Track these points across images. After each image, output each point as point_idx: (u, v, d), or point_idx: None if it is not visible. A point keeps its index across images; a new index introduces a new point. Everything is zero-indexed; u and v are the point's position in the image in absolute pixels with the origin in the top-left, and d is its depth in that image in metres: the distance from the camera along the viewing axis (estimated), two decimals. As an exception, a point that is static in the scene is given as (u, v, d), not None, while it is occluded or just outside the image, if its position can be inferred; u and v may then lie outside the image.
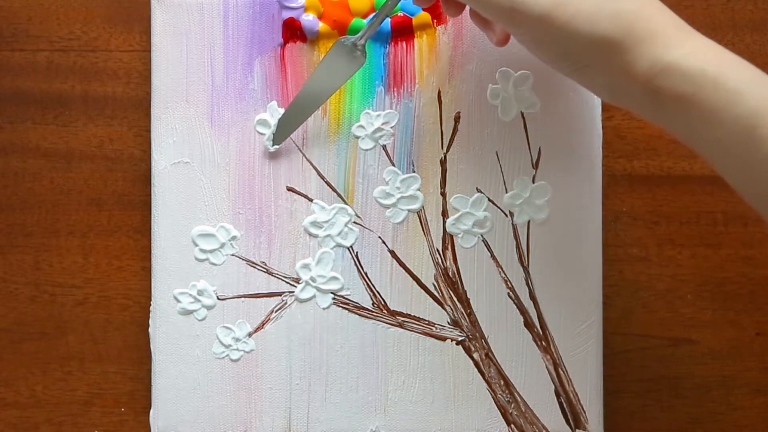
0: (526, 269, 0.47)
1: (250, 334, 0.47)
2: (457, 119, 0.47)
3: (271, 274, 0.47)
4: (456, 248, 0.48)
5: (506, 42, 0.43)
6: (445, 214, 0.48)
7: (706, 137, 0.36)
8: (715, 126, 0.35)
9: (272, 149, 0.47)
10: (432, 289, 0.48)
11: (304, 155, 0.48)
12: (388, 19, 0.47)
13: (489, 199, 0.47)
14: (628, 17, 0.36)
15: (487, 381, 0.47)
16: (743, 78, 0.35)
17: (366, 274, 0.48)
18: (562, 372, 0.47)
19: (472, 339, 0.48)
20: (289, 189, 0.48)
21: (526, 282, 0.47)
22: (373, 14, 0.46)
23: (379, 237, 0.48)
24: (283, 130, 0.47)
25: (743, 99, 0.35)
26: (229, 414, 0.47)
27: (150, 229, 0.48)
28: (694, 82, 0.35)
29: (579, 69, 0.38)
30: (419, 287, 0.48)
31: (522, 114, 0.47)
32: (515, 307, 0.47)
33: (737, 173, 0.36)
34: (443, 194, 0.48)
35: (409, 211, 0.48)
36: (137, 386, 0.49)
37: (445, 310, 0.48)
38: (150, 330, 0.47)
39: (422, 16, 0.47)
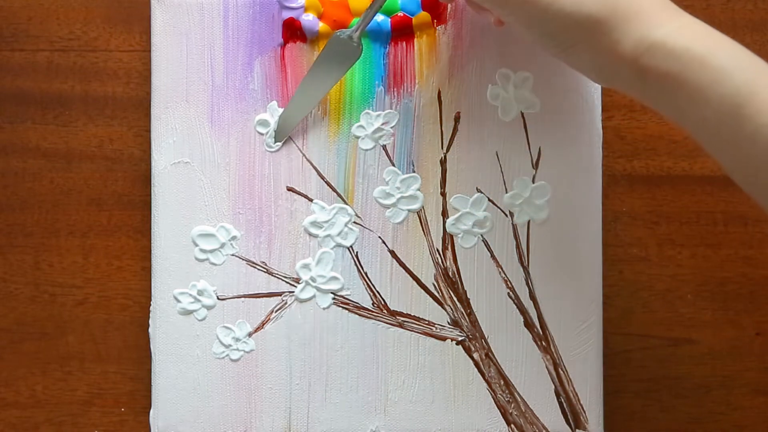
0: (526, 269, 0.47)
1: (250, 334, 0.47)
2: (457, 119, 0.47)
3: (271, 274, 0.47)
4: (456, 248, 0.48)
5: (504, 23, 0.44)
6: (445, 214, 0.48)
7: (693, 116, 0.36)
8: (701, 105, 0.35)
9: (274, 147, 0.47)
10: (432, 289, 0.48)
11: (304, 155, 0.48)
12: (389, 19, 0.47)
13: (489, 199, 0.47)
14: None
15: (487, 381, 0.47)
16: (730, 56, 0.35)
17: (366, 274, 0.48)
18: (562, 372, 0.47)
19: (472, 339, 0.48)
20: (289, 189, 0.48)
21: (526, 282, 0.47)
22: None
23: (379, 237, 0.48)
24: (285, 128, 0.47)
25: (729, 77, 0.35)
26: (229, 414, 0.47)
27: (150, 229, 0.48)
28: (680, 60, 0.35)
29: (566, 49, 0.39)
30: (419, 287, 0.48)
31: (522, 114, 0.47)
32: (515, 307, 0.47)
33: (724, 152, 0.36)
34: (443, 194, 0.48)
35: (409, 211, 0.48)
36: (137, 386, 0.49)
37: (445, 310, 0.48)
38: (150, 330, 0.47)
39: (422, 16, 0.47)
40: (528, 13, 0.38)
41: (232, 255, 0.47)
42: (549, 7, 0.37)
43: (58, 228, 0.49)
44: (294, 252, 0.47)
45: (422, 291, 0.48)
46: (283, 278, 0.47)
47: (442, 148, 0.48)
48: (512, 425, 0.47)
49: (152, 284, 0.47)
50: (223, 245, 0.47)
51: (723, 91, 0.35)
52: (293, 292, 0.47)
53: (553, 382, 0.47)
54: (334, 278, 0.47)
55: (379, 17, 0.47)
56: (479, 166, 0.47)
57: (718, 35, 0.37)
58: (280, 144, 0.47)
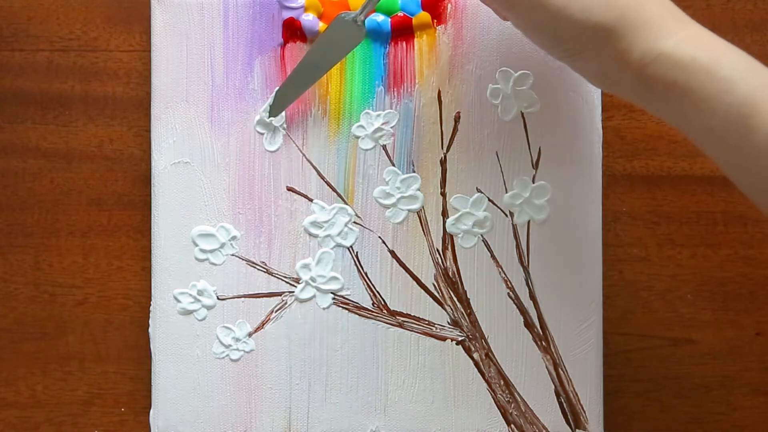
0: (526, 269, 0.47)
1: (250, 334, 0.47)
2: (457, 119, 0.48)
3: (271, 274, 0.47)
4: (456, 248, 0.48)
5: None
6: (445, 214, 0.48)
7: (699, 126, 0.36)
8: (707, 115, 0.35)
9: (268, 120, 0.47)
10: (432, 289, 0.48)
11: (304, 155, 0.48)
12: (388, 19, 0.47)
13: (489, 199, 0.47)
14: (621, 5, 0.36)
15: (487, 381, 0.47)
16: (736, 66, 0.35)
17: (366, 274, 0.48)
18: (562, 372, 0.47)
19: (472, 339, 0.48)
20: (289, 189, 0.48)
21: (526, 282, 0.47)
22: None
23: (379, 237, 0.48)
24: (280, 102, 0.46)
25: (736, 87, 0.34)
26: (229, 414, 0.47)
27: (150, 229, 0.48)
28: (686, 70, 0.35)
29: (572, 55, 0.38)
30: (419, 287, 0.48)
31: (522, 114, 0.47)
32: (515, 307, 0.47)
33: (730, 161, 0.36)
34: (443, 194, 0.48)
35: (409, 211, 0.48)
36: (137, 386, 0.49)
37: (445, 310, 0.48)
38: (150, 330, 0.47)
39: (422, 16, 0.47)
40: (536, 18, 0.38)
41: (232, 255, 0.47)
42: (558, 13, 0.37)
43: (58, 228, 0.49)
44: (294, 252, 0.47)
45: (422, 291, 0.48)
46: (283, 278, 0.47)
47: (442, 148, 0.48)
48: (512, 425, 0.47)
49: (152, 284, 0.47)
50: (223, 245, 0.47)
51: (729, 100, 0.34)
52: (293, 292, 0.47)
53: (553, 382, 0.47)
54: (334, 278, 0.47)
55: (379, 17, 0.47)
56: (479, 166, 0.47)
57: (724, 45, 0.37)
58: (273, 118, 0.47)
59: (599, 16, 0.36)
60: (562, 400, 0.47)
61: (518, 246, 0.47)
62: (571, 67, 0.40)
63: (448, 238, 0.48)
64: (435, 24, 0.47)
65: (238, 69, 0.47)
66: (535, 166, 0.47)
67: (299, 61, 0.46)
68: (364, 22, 0.45)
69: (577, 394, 0.47)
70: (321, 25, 0.47)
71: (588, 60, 0.38)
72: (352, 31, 0.45)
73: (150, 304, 0.48)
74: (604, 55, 0.37)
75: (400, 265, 0.48)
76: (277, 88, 0.46)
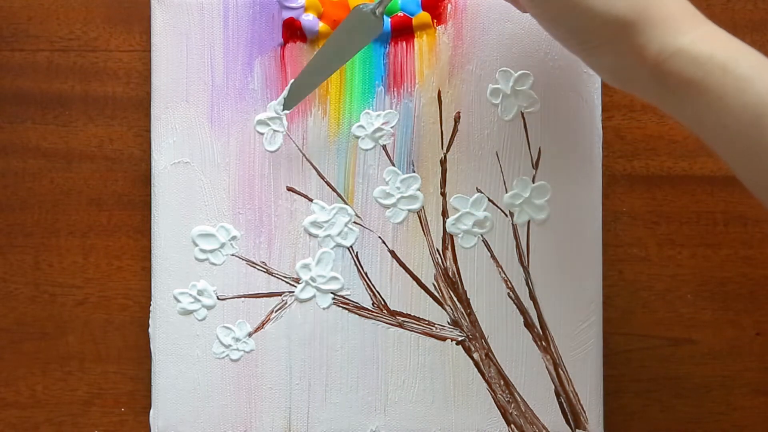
0: (526, 269, 0.47)
1: (250, 334, 0.47)
2: (457, 119, 0.48)
3: (271, 274, 0.48)
4: (456, 248, 0.48)
5: None
6: (445, 214, 0.48)
7: (713, 124, 0.36)
8: (722, 113, 0.35)
9: (283, 113, 0.47)
10: (432, 289, 0.48)
11: (304, 155, 0.48)
12: (389, 19, 0.47)
13: (489, 199, 0.47)
14: (643, 0, 0.36)
15: (487, 381, 0.47)
16: (753, 65, 0.35)
17: (366, 274, 0.48)
18: (562, 372, 0.47)
19: (472, 339, 0.48)
20: (289, 189, 0.48)
21: (526, 282, 0.47)
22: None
23: (379, 237, 0.48)
24: (295, 95, 0.46)
25: (752, 86, 0.34)
26: (229, 414, 0.47)
27: (150, 229, 0.48)
28: (702, 67, 0.35)
29: (588, 48, 0.38)
30: (419, 287, 0.48)
31: (522, 114, 0.47)
32: (515, 307, 0.47)
33: (743, 161, 0.36)
34: (443, 194, 0.48)
35: (409, 211, 0.48)
36: (137, 386, 0.49)
37: (445, 310, 0.48)
38: (150, 330, 0.47)
39: (422, 16, 0.47)
40: (556, 8, 0.37)
41: (232, 255, 0.47)
42: (579, 4, 0.36)
43: (58, 228, 0.49)
44: (294, 252, 0.47)
45: (422, 291, 0.48)
46: (283, 278, 0.47)
47: (442, 148, 0.48)
48: (512, 425, 0.47)
49: (152, 284, 0.47)
50: (223, 245, 0.47)
51: (746, 99, 0.34)
52: (293, 292, 0.47)
53: (553, 382, 0.47)
54: (334, 278, 0.47)
55: (379, 17, 0.47)
56: (479, 166, 0.48)
57: (741, 44, 0.36)
58: (287, 111, 0.47)
59: (620, 10, 0.36)
60: (562, 400, 0.47)
61: (518, 246, 0.47)
62: (584, 60, 0.39)
63: (448, 238, 0.48)
64: (435, 24, 0.47)
65: (238, 69, 0.47)
66: (535, 166, 0.47)
67: (315, 53, 0.46)
68: (382, 14, 0.44)
69: (577, 394, 0.47)
70: (321, 25, 0.47)
71: (604, 54, 0.38)
72: (370, 22, 0.44)
73: (150, 304, 0.48)
74: (621, 50, 0.37)
75: (400, 265, 0.48)
76: (292, 80, 0.46)
